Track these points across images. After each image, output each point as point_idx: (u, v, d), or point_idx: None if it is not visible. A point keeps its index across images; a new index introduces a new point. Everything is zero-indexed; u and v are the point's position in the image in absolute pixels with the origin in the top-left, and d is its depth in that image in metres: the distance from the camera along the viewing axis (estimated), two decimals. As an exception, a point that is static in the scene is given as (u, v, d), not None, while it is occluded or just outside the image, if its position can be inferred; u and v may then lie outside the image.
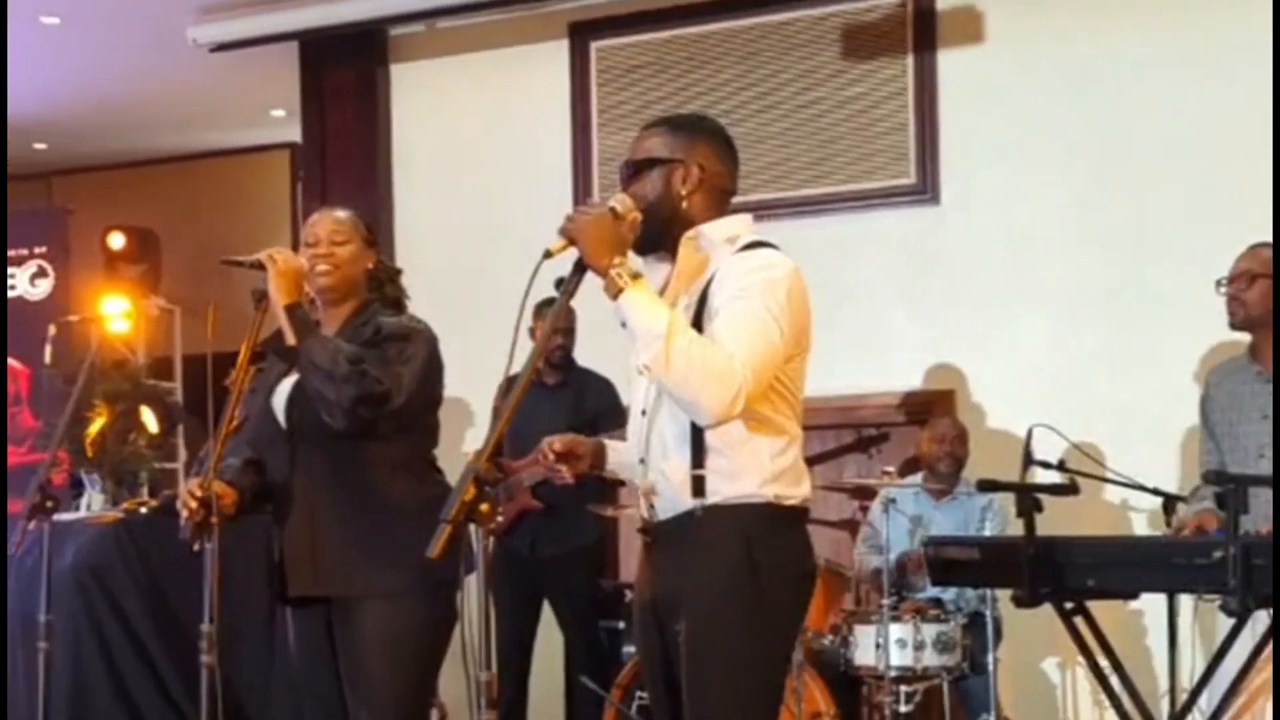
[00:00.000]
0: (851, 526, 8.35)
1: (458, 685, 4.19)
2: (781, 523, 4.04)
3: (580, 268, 3.84)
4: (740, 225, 4.16)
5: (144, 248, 12.30)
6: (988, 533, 7.39)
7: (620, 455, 4.33)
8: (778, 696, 4.13)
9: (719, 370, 3.77)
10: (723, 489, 3.98)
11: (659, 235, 4.09)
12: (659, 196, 4.08)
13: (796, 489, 4.07)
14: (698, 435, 3.98)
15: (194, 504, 4.55)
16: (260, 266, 4.78)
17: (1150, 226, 8.21)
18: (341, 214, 5.07)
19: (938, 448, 7.87)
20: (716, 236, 4.10)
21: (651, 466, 4.11)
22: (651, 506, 4.12)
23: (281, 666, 7.47)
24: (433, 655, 4.89)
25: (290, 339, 4.75)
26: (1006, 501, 6.88)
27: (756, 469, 3.99)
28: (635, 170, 4.13)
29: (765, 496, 3.99)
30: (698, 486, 3.99)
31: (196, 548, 4.58)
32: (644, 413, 4.13)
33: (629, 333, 3.85)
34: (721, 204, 4.19)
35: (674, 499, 4.04)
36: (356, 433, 4.74)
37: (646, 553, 4.23)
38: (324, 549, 4.82)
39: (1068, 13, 8.48)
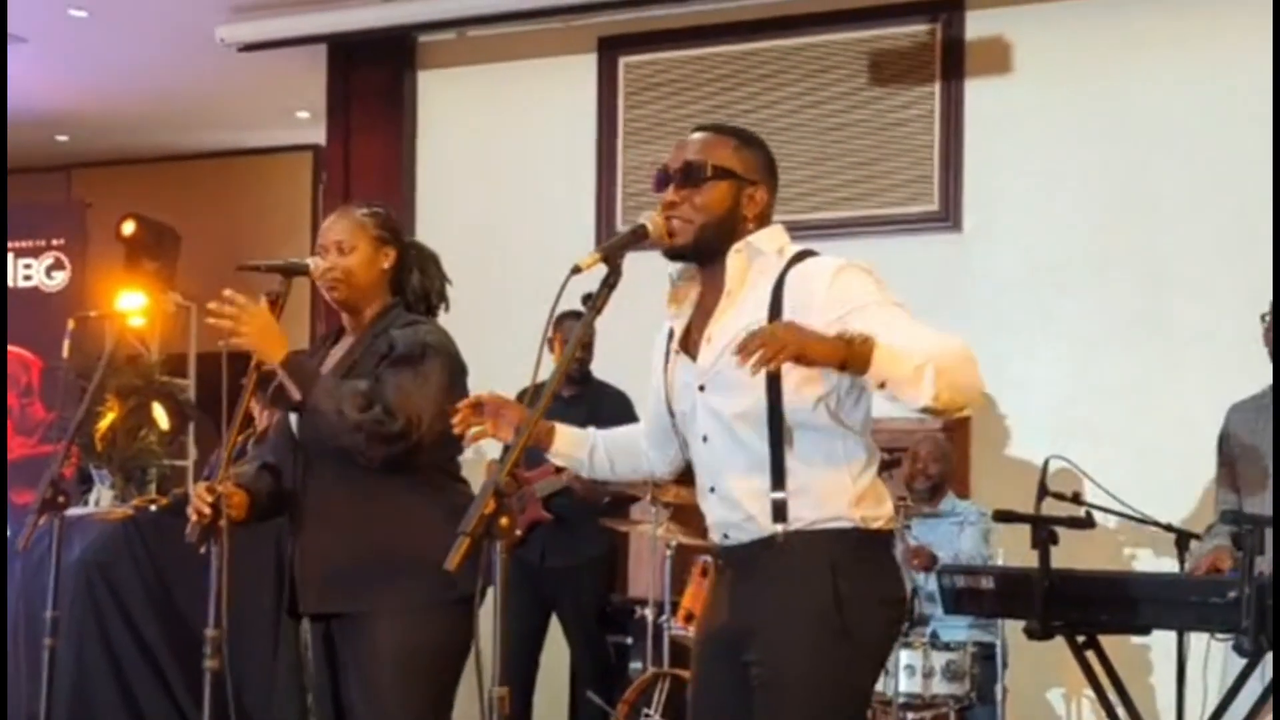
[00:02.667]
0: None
1: (467, 700, 4.17)
2: (869, 547, 3.79)
3: (610, 284, 3.65)
4: (782, 236, 3.95)
5: (160, 242, 12.26)
6: (965, 542, 7.38)
7: (574, 449, 4.21)
8: None
9: (961, 349, 3.59)
10: (806, 513, 3.74)
11: (711, 249, 3.87)
12: (726, 212, 3.87)
13: (881, 509, 3.82)
14: (777, 457, 3.74)
15: (205, 507, 4.43)
16: (279, 271, 4.68)
17: (1173, 259, 8.21)
18: (348, 218, 4.85)
19: (910, 466, 7.86)
20: (767, 248, 3.88)
21: (723, 491, 3.86)
22: (726, 535, 3.88)
23: (284, 672, 7.46)
24: (449, 673, 4.69)
25: (295, 394, 4.58)
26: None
27: (840, 490, 3.75)
28: (702, 175, 3.86)
29: (852, 520, 3.75)
30: (779, 511, 3.75)
31: (203, 550, 4.46)
32: (705, 439, 3.88)
33: (887, 391, 3.52)
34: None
35: (751, 524, 3.80)
36: (390, 469, 4.59)
37: (718, 578, 4.00)
38: (335, 565, 4.67)
39: (1095, 46, 8.49)
